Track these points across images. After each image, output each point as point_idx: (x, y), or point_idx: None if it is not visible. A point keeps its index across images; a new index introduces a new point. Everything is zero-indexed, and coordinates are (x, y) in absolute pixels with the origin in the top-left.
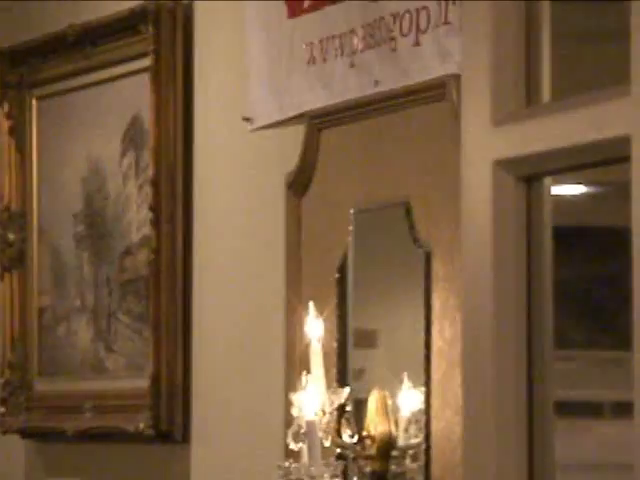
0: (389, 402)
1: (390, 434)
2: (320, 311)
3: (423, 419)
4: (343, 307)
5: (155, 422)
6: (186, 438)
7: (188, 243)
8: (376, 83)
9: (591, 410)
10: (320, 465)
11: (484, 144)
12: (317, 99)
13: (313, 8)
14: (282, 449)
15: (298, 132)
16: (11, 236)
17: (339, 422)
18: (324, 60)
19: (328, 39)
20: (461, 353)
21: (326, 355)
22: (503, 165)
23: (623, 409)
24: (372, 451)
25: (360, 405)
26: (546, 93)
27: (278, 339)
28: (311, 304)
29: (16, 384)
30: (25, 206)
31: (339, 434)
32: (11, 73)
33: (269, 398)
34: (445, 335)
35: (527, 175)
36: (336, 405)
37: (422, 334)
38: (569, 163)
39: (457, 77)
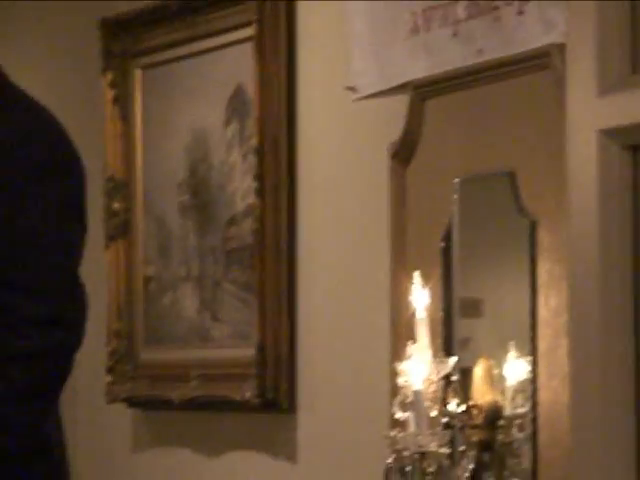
0: (495, 371)
1: (496, 403)
2: (425, 280)
3: (529, 388)
4: (448, 276)
5: (261, 391)
6: (292, 407)
7: (292, 212)
8: (479, 52)
9: None
10: (427, 434)
11: (589, 113)
12: (420, 69)
13: None
14: (388, 419)
15: (402, 102)
16: (116, 205)
17: (445, 391)
18: (427, 30)
19: (432, 9)
20: (567, 322)
21: (431, 324)
22: (608, 134)
23: None
24: (479, 420)
25: (466, 374)
26: None
27: (383, 308)
28: (416, 273)
29: (122, 353)
30: (129, 175)
31: (445, 403)
32: (115, 42)
33: (375, 367)
34: (550, 304)
35: (633, 144)
36: (442, 374)
37: (527, 303)
38: None
39: (561, 46)
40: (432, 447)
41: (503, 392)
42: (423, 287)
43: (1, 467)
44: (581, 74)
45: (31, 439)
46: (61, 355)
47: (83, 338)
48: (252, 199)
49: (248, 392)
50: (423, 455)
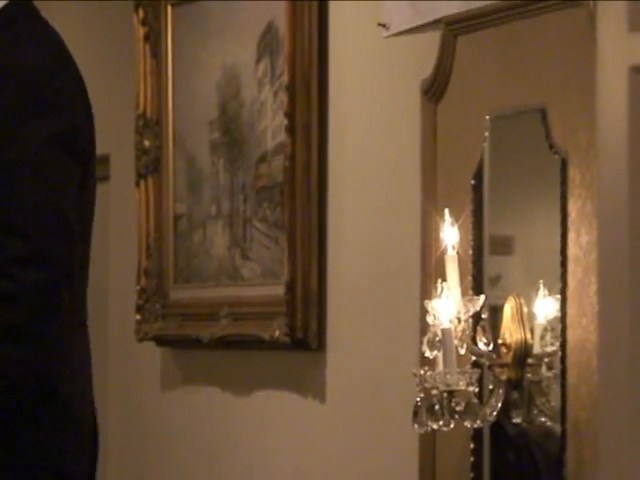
0: (525, 310)
1: (526, 342)
2: (456, 218)
3: (559, 327)
4: (479, 213)
5: (290, 329)
6: (321, 345)
7: (323, 150)
8: None
9: None
10: (455, 373)
11: (620, 50)
12: (452, 5)
13: None
14: (417, 357)
15: (434, 38)
16: (147, 143)
17: (474, 330)
18: None
19: None
20: (597, 260)
21: (461, 262)
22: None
23: None
24: (507, 359)
25: (495, 312)
26: None
27: (414, 246)
28: (447, 211)
29: (152, 291)
30: (160, 113)
31: (474, 342)
32: None
33: (404, 305)
34: (581, 242)
35: None
36: (471, 313)
37: (558, 241)
38: None
39: None
40: (461, 385)
41: (532, 330)
42: (453, 224)
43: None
44: (612, 9)
45: (24, 378)
46: (45, 292)
47: (70, 274)
48: (283, 137)
49: (277, 330)
50: (451, 393)
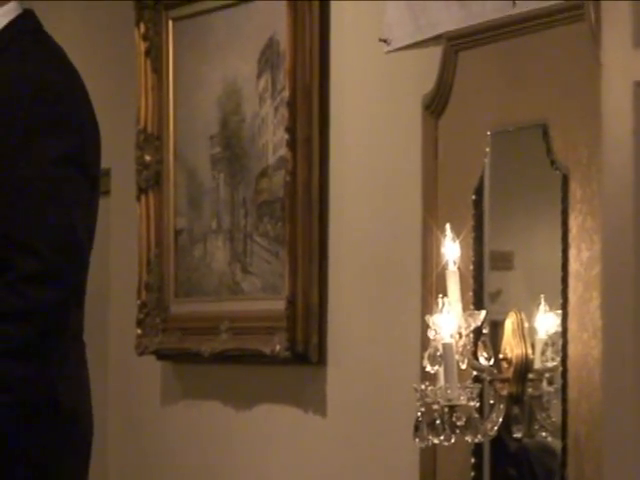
0: (526, 325)
1: (526, 357)
2: (456, 233)
3: (560, 342)
4: (479, 229)
5: (291, 344)
6: (322, 360)
7: (324, 164)
8: (514, 4)
9: None
10: (456, 388)
11: (625, 66)
12: (454, 20)
13: None
14: (418, 371)
15: (435, 53)
16: (147, 157)
17: (475, 345)
18: None
19: None
20: (598, 275)
21: (462, 277)
22: None
23: None
24: (508, 374)
25: (496, 328)
26: None
27: (414, 261)
28: (448, 226)
29: (152, 306)
30: (161, 128)
31: (475, 357)
32: None
33: (406, 320)
34: (582, 257)
35: None
36: (472, 328)
37: (559, 256)
38: None
39: None
40: (461, 400)
41: (533, 345)
42: (454, 240)
43: (5, 423)
44: (616, 25)
45: (30, 395)
46: (55, 311)
47: (81, 294)
48: (284, 151)
49: (278, 345)
50: (452, 408)
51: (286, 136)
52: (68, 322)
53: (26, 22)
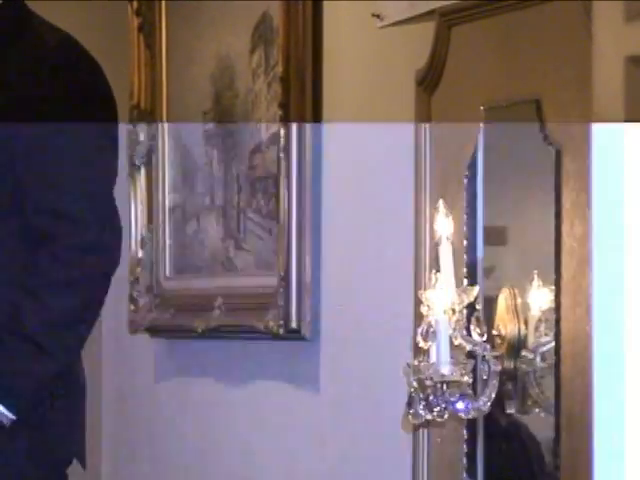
0: (519, 301)
1: (520, 333)
2: (449, 208)
3: (553, 318)
4: (472, 204)
5: (284, 320)
6: (315, 335)
7: (317, 140)
8: None
9: None
10: (449, 363)
11: (617, 40)
12: None
13: None
14: (411, 347)
15: (428, 29)
16: (140, 134)
17: (468, 321)
18: None
19: None
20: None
21: (455, 253)
22: (636, 61)
23: None
24: (502, 350)
25: (490, 304)
26: None
27: (407, 237)
28: (441, 201)
29: (145, 283)
30: (154, 104)
31: (469, 333)
32: None
33: (398, 296)
34: (575, 233)
35: None
36: (466, 303)
37: (552, 231)
38: None
39: None
40: (454, 376)
41: (526, 321)
42: (447, 215)
43: (39, 390)
44: None
45: (68, 364)
46: (100, 281)
47: (118, 263)
48: (277, 127)
49: (271, 321)
50: (446, 384)
51: (279, 112)
52: (106, 294)
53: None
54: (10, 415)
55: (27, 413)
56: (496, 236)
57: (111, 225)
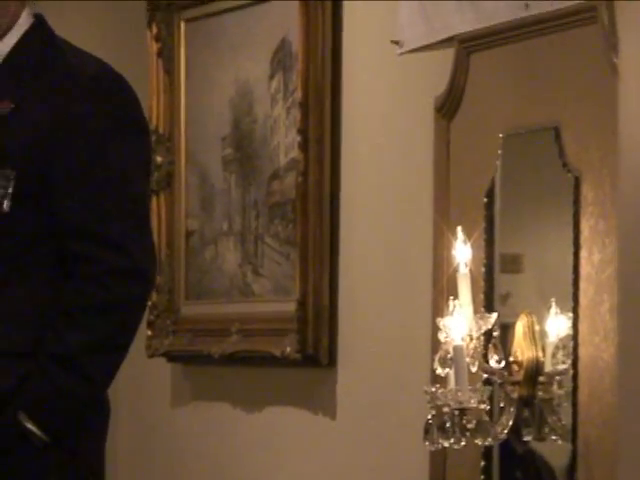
0: (536, 327)
1: (537, 360)
2: (468, 235)
3: (570, 345)
4: (491, 231)
5: (301, 346)
6: (332, 362)
7: (336, 166)
8: (526, 6)
9: None
10: (467, 390)
11: None
12: (466, 22)
13: None
14: (429, 374)
15: (447, 55)
16: (159, 159)
17: (486, 347)
18: None
19: None
20: (609, 278)
21: (473, 279)
22: None
23: None
24: (519, 377)
25: (507, 330)
26: None
27: (425, 263)
28: (459, 228)
29: (163, 307)
30: (173, 129)
31: (486, 359)
32: None
33: (416, 322)
34: (593, 260)
35: None
36: (483, 330)
37: (570, 259)
38: None
39: (608, 0)
40: (472, 403)
41: (544, 348)
42: (465, 242)
43: (78, 415)
44: (632, 26)
45: (106, 387)
46: (139, 306)
47: (154, 288)
48: (295, 153)
49: (288, 347)
50: (463, 411)
51: (298, 138)
52: (142, 320)
53: (42, 24)
54: (45, 438)
55: (62, 436)
56: (514, 263)
57: (148, 250)
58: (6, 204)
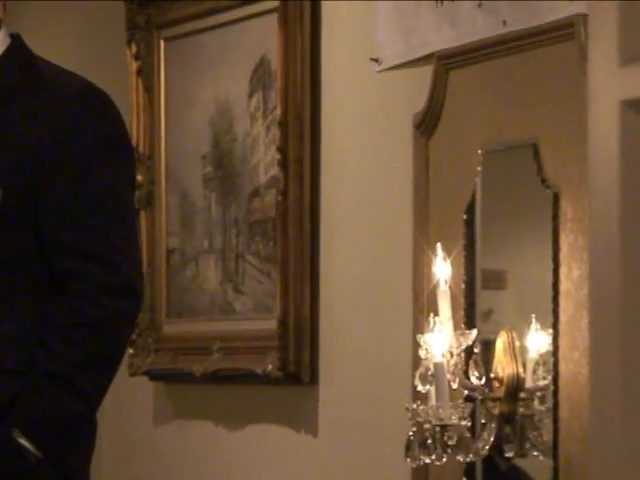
0: (517, 344)
1: (518, 376)
2: (448, 252)
3: (551, 361)
4: (471, 248)
5: (283, 364)
6: (314, 379)
7: (315, 184)
8: (504, 23)
9: None
10: (448, 407)
11: (611, 84)
12: (445, 40)
13: None
14: (410, 391)
15: (426, 73)
16: (140, 177)
17: (467, 364)
18: (452, 0)
19: None
20: (588, 295)
21: (453, 296)
22: (631, 105)
23: None
24: (500, 393)
25: (488, 347)
26: None
27: (405, 280)
28: (439, 245)
29: (144, 325)
30: (153, 147)
31: (467, 376)
32: (139, 14)
33: (397, 340)
34: (573, 276)
35: None
36: (464, 347)
37: (550, 275)
38: None
39: (585, 17)
40: (453, 419)
41: (524, 364)
42: (445, 259)
43: (71, 432)
44: (603, 44)
45: (99, 403)
46: (129, 322)
47: (142, 305)
48: (275, 171)
49: (270, 365)
50: (444, 428)
51: (277, 156)
52: (131, 336)
53: (22, 45)
54: (39, 455)
55: (55, 452)
56: (494, 279)
57: (137, 267)
58: None
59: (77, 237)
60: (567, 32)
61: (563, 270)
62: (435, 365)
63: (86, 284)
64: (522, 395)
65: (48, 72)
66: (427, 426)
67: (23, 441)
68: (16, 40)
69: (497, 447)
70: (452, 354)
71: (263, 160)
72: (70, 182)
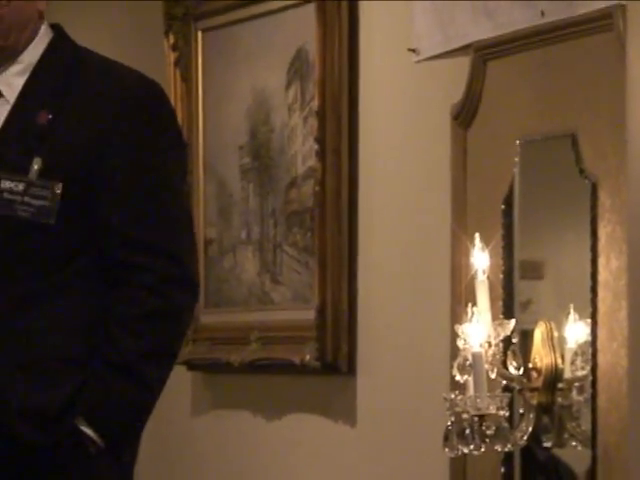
0: (555, 334)
1: (556, 366)
2: (486, 242)
3: (589, 351)
4: (509, 238)
5: (321, 354)
6: (352, 370)
7: (353, 174)
8: (542, 14)
9: None
10: (486, 397)
11: None
12: (483, 30)
13: None
14: (447, 381)
15: (463, 63)
16: None
17: (505, 354)
18: None
19: None
20: (627, 284)
21: (492, 286)
22: None
23: None
24: (538, 383)
25: (526, 337)
26: None
27: (444, 270)
28: (477, 235)
29: None
30: (191, 138)
31: (505, 366)
32: (177, 6)
33: (435, 329)
34: (611, 267)
35: None
36: (502, 337)
37: (588, 266)
38: None
39: (624, 7)
40: (491, 410)
41: (563, 355)
42: (484, 249)
43: (134, 423)
44: None
45: (159, 396)
46: (189, 313)
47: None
48: (313, 162)
49: (308, 355)
50: (482, 418)
51: (315, 146)
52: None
53: (64, 34)
54: (101, 444)
55: (117, 443)
56: (532, 270)
57: (196, 260)
58: (52, 217)
59: (138, 230)
60: (605, 23)
61: (601, 261)
62: (473, 355)
63: (149, 276)
64: (560, 385)
65: (97, 63)
66: (465, 416)
67: (87, 430)
68: (58, 31)
69: (535, 437)
70: (490, 344)
71: (300, 151)
72: (129, 176)
